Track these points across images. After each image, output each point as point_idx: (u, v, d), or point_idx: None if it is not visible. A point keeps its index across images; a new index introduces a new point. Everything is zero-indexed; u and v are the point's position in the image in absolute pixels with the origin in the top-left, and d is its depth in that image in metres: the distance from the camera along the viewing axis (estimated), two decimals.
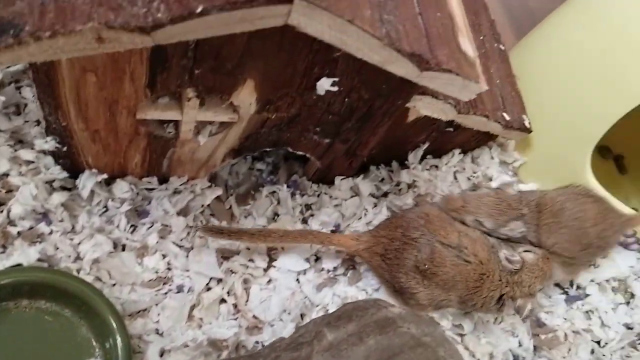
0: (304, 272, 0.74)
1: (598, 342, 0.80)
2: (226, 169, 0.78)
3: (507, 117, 0.77)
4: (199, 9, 0.38)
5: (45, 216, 0.62)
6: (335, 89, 0.56)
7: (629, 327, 0.82)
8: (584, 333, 0.80)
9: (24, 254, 0.58)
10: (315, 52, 0.50)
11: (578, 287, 0.85)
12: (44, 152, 0.63)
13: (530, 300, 0.69)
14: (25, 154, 0.62)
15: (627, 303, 0.85)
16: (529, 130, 0.81)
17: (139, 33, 0.40)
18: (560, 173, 0.84)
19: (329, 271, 0.75)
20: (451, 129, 0.77)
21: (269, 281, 0.73)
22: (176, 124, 0.60)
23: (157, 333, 0.63)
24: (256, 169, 0.80)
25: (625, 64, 0.75)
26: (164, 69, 0.49)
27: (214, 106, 0.57)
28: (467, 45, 0.56)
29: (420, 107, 0.67)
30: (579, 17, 0.84)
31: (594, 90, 0.77)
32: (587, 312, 0.83)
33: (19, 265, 0.58)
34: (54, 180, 0.65)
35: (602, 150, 1.10)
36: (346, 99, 0.59)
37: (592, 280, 0.85)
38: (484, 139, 0.84)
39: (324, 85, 0.55)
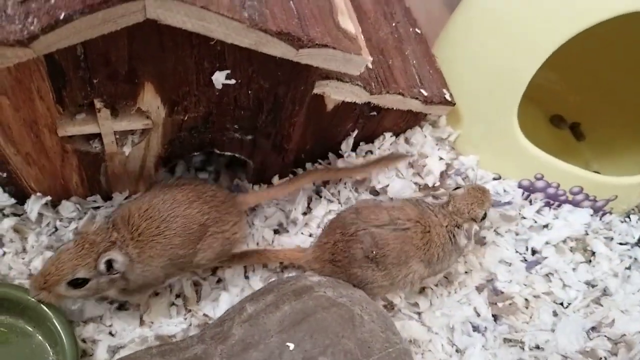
0: (253, 268, 0.77)
1: (561, 304, 0.81)
2: (171, 182, 0.82)
3: (425, 93, 0.81)
4: (62, 16, 0.43)
5: None
6: (233, 81, 0.60)
7: (591, 285, 0.83)
8: (544, 296, 0.81)
9: None
10: (198, 47, 0.55)
11: (534, 252, 0.86)
12: None
13: (476, 224, 0.72)
14: None
15: (589, 262, 0.86)
16: (451, 103, 0.85)
17: (20, 46, 0.45)
18: (492, 138, 0.87)
19: (276, 267, 0.78)
20: (375, 113, 0.81)
21: (219, 281, 0.75)
22: (99, 137, 0.64)
23: (110, 334, 0.66)
24: (200, 178, 0.84)
25: (532, 23, 0.78)
26: (66, 83, 0.54)
27: (126, 115, 0.62)
28: (348, 23, 0.60)
29: (331, 92, 0.71)
30: None
31: (507, 51, 0.80)
32: (546, 275, 0.84)
33: None
34: (4, 208, 0.69)
35: (556, 120, 1.12)
36: (250, 91, 0.63)
37: (547, 243, 0.86)
38: (413, 119, 0.87)
39: (220, 78, 0.59)
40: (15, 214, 0.70)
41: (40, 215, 0.70)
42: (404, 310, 0.77)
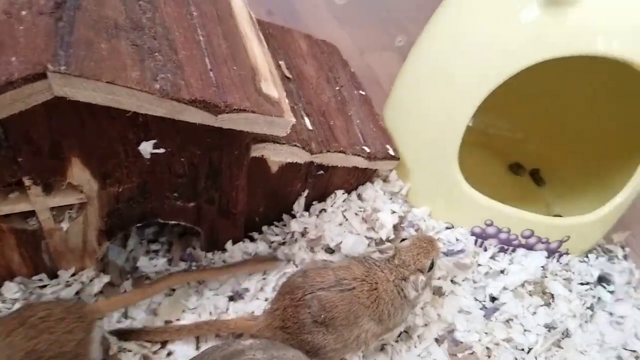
0: (205, 339, 0.75)
1: (522, 349, 0.79)
2: (122, 256, 0.82)
3: (368, 150, 0.82)
4: None
5: None
6: (162, 150, 0.62)
7: (551, 327, 0.81)
8: (504, 343, 0.79)
9: None
10: (118, 119, 0.56)
11: (493, 299, 0.85)
12: None
13: (422, 275, 0.70)
14: None
15: (548, 304, 0.85)
16: (395, 158, 0.86)
17: None
18: (439, 188, 0.88)
19: (229, 336, 0.76)
20: (322, 172, 0.82)
21: (169, 354, 0.73)
22: (35, 214, 0.65)
23: None
24: (152, 250, 0.84)
25: (463, 72, 0.81)
26: None
27: (58, 191, 0.63)
28: (271, 88, 0.63)
29: (270, 154, 0.73)
30: (428, 35, 0.91)
31: (443, 101, 0.83)
32: (506, 321, 0.82)
33: None
34: None
35: (514, 167, 1.14)
36: (182, 159, 0.65)
37: (505, 288, 0.85)
38: (363, 175, 0.88)
39: (147, 148, 0.60)
40: None
41: None
42: None
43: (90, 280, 0.76)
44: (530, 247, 0.88)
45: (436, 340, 0.78)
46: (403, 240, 0.75)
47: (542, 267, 0.88)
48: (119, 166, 0.62)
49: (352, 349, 0.71)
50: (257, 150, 0.70)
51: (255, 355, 0.53)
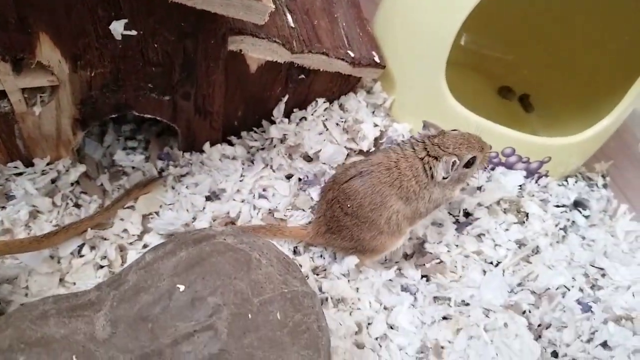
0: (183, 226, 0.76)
1: (491, 262, 0.81)
2: (99, 151, 0.81)
3: (353, 54, 0.80)
4: None
5: None
6: (134, 32, 0.60)
7: (522, 244, 0.83)
8: (473, 255, 0.81)
9: None
10: None
11: (468, 214, 0.86)
12: None
13: (458, 160, 0.68)
14: None
15: (522, 223, 0.86)
16: (380, 66, 0.84)
17: None
18: (424, 102, 0.87)
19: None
20: (303, 76, 0.81)
21: (145, 246, 0.75)
22: (6, 96, 0.64)
23: (25, 295, 0.65)
24: (129, 147, 0.83)
25: None
26: None
27: (29, 71, 0.61)
28: None
29: (248, 49, 0.71)
30: None
31: (430, 13, 0.80)
32: (478, 235, 0.84)
33: None
34: None
35: (504, 91, 1.13)
36: (155, 45, 0.63)
37: (479, 204, 0.86)
38: (346, 84, 0.87)
39: (118, 28, 0.59)
40: None
41: None
42: (335, 272, 0.76)
43: (67, 170, 0.76)
44: (510, 166, 0.88)
45: (405, 252, 0.79)
46: (454, 130, 0.73)
47: (520, 186, 0.89)
48: (90, 47, 0.60)
49: (389, 234, 0.71)
50: (234, 43, 0.69)
51: (226, 240, 0.54)
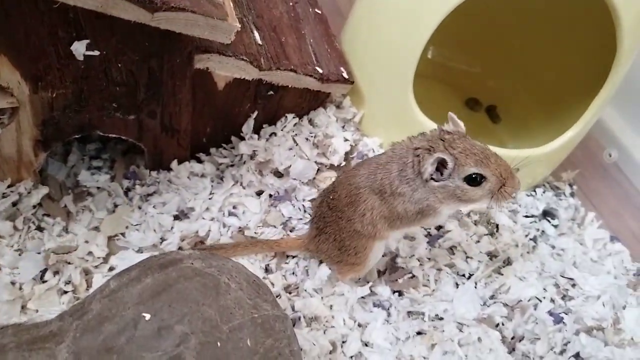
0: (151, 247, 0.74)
1: (463, 275, 0.81)
2: (63, 171, 0.79)
3: (321, 71, 0.80)
4: None
5: None
6: (97, 52, 0.59)
7: (493, 256, 0.83)
8: (446, 268, 0.81)
9: None
10: (48, 13, 0.53)
11: (439, 227, 0.86)
12: None
13: (455, 166, 0.59)
14: None
15: (492, 234, 0.86)
16: (349, 81, 0.85)
17: None
18: (393, 116, 0.87)
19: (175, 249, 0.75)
20: (272, 93, 0.80)
21: (111, 268, 0.73)
22: None
23: None
24: (94, 167, 0.81)
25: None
26: None
27: None
28: None
29: (215, 67, 0.70)
30: None
31: (398, 28, 0.81)
32: (450, 248, 0.84)
33: None
34: None
35: (471, 103, 1.14)
36: (119, 64, 0.62)
37: (450, 216, 0.86)
38: (315, 100, 0.87)
39: (80, 49, 0.57)
40: None
41: None
42: (308, 289, 0.75)
43: (28, 192, 0.74)
44: None
45: (378, 272, 0.79)
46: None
47: None
48: (51, 68, 0.59)
49: (365, 234, 0.65)
50: (201, 62, 0.68)
51: (193, 264, 0.52)
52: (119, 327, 0.48)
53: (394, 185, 0.61)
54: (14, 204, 0.72)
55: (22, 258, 0.69)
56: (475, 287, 0.78)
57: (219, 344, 0.47)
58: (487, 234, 0.86)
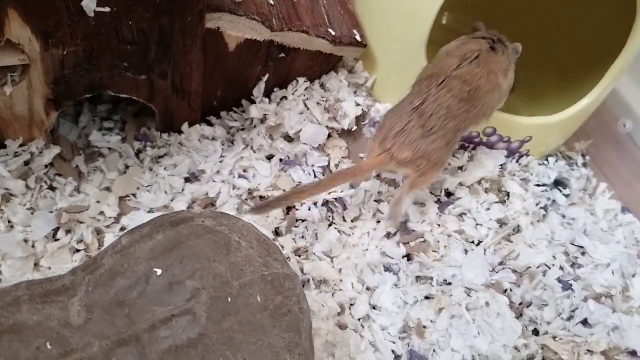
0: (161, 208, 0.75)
1: (472, 242, 0.81)
2: (74, 132, 0.79)
3: (334, 33, 0.79)
4: None
5: None
6: (107, 9, 0.58)
7: (503, 223, 0.83)
8: (455, 234, 0.81)
9: None
10: None
11: (449, 194, 0.86)
12: None
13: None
14: None
15: (503, 202, 0.86)
16: (362, 44, 0.83)
17: None
18: (405, 82, 0.86)
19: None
20: (283, 55, 0.79)
21: (122, 228, 0.73)
22: None
23: None
24: (105, 128, 0.81)
25: None
26: None
27: None
28: None
29: (226, 27, 0.69)
30: None
31: None
32: (459, 214, 0.84)
33: None
34: None
35: None
36: (130, 22, 0.61)
37: (461, 184, 0.86)
38: (327, 63, 0.85)
39: (90, 5, 0.56)
40: None
41: None
42: (317, 252, 0.76)
43: (40, 152, 0.74)
44: (491, 146, 0.88)
45: (387, 231, 0.79)
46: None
47: (501, 166, 0.89)
48: (62, 24, 0.58)
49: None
50: (212, 21, 0.67)
51: (204, 222, 0.53)
52: (130, 281, 0.49)
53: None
54: (26, 163, 0.73)
55: (35, 216, 0.69)
56: (485, 254, 0.78)
57: (229, 299, 0.47)
58: (497, 202, 0.85)
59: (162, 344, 0.44)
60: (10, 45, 0.59)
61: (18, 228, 0.69)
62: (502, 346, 0.67)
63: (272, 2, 0.73)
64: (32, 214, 0.70)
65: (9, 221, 0.69)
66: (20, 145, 0.73)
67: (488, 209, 0.84)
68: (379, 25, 0.86)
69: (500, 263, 0.77)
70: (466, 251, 0.79)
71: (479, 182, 0.87)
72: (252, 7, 0.69)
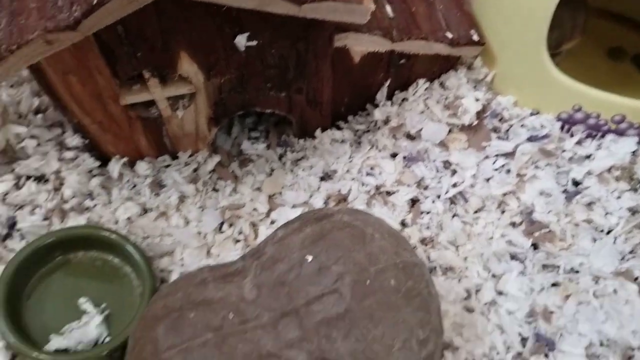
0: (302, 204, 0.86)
1: (602, 231, 0.81)
2: (228, 142, 0.94)
3: (450, 36, 0.84)
4: (95, 2, 0.55)
5: (89, 195, 0.83)
6: (255, 43, 0.70)
7: (635, 211, 0.82)
8: (583, 224, 0.82)
9: (76, 221, 0.79)
10: (216, 15, 0.64)
11: (576, 183, 0.86)
12: (79, 149, 0.84)
13: None
14: (68, 154, 0.84)
15: (635, 190, 0.85)
16: (479, 43, 0.87)
17: (69, 30, 0.57)
18: (526, 74, 0.88)
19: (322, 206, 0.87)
20: (404, 60, 0.86)
21: (272, 222, 0.86)
22: (155, 104, 0.77)
23: (181, 265, 0.79)
24: (252, 137, 0.95)
25: None
26: (116, 59, 0.67)
27: (172, 83, 0.74)
28: None
29: (353, 44, 0.78)
30: None
31: None
32: (588, 204, 0.84)
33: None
34: (92, 170, 0.85)
35: (615, 52, 1.08)
36: (273, 50, 0.72)
37: (589, 173, 0.86)
38: (446, 63, 0.90)
39: (241, 41, 0.68)
40: (101, 174, 0.85)
41: (120, 174, 0.85)
42: (443, 242, 0.82)
43: (205, 161, 0.89)
44: (621, 133, 0.87)
45: (512, 220, 0.83)
46: None
47: (632, 152, 0.87)
48: (220, 59, 0.71)
49: None
50: (339, 40, 0.76)
51: (343, 217, 0.62)
52: (288, 266, 0.60)
53: None
54: (194, 170, 0.88)
55: (204, 213, 0.84)
56: (614, 242, 0.78)
57: (367, 282, 0.56)
58: (629, 190, 0.84)
59: (316, 316, 0.54)
60: (181, 78, 0.73)
61: (192, 223, 0.84)
62: (632, 332, 0.68)
63: (391, 15, 0.81)
64: (202, 211, 0.85)
65: (185, 218, 0.85)
66: (190, 156, 0.89)
67: (619, 197, 0.84)
68: (497, 21, 0.89)
69: (631, 252, 0.77)
70: (595, 240, 0.80)
71: (609, 171, 0.86)
72: (374, 23, 0.77)
